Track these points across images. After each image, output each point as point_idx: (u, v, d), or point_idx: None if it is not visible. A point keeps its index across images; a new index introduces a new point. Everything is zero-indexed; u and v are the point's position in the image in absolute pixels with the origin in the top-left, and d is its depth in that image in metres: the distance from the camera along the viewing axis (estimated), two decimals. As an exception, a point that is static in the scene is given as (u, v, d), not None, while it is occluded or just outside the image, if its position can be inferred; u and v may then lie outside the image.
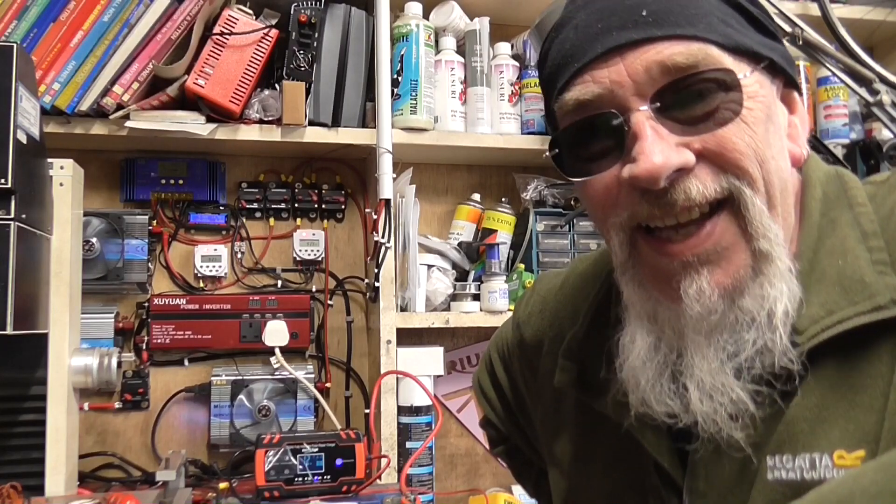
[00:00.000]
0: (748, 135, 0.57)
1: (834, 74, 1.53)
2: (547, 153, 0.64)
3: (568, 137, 0.63)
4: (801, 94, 0.67)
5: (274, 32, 1.53)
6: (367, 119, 1.62)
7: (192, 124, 1.47)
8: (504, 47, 1.73)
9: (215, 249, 1.67)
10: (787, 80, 0.64)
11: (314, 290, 1.73)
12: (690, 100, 0.57)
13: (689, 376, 0.59)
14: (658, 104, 0.57)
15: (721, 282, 0.57)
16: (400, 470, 1.46)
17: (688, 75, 0.56)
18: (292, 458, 1.26)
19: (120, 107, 1.43)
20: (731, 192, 0.57)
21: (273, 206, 1.72)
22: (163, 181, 1.65)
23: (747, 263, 0.57)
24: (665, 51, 0.56)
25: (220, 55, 1.48)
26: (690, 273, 0.57)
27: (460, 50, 1.70)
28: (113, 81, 1.42)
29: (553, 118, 0.66)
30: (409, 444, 1.51)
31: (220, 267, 1.67)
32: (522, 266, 1.69)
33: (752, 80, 0.59)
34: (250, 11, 1.54)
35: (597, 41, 0.58)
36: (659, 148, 0.55)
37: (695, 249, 0.57)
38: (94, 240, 1.54)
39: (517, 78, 1.71)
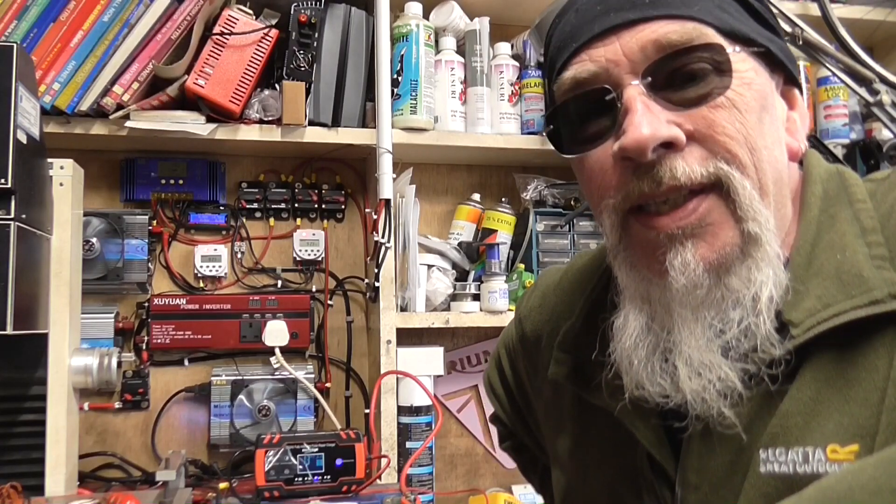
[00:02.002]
0: (739, 120, 0.57)
1: (834, 74, 1.53)
2: (543, 131, 0.65)
3: (563, 114, 0.63)
4: (802, 92, 0.67)
5: (274, 32, 1.53)
6: (367, 119, 1.62)
7: (192, 124, 1.47)
8: (504, 47, 1.73)
9: (215, 249, 1.67)
10: (787, 77, 0.65)
11: (314, 290, 1.73)
12: (681, 76, 0.57)
13: (678, 354, 0.59)
14: (650, 79, 0.58)
15: (705, 256, 0.57)
16: (400, 470, 1.46)
17: (679, 50, 0.57)
18: (292, 458, 1.26)
19: (120, 107, 1.43)
20: (719, 177, 0.57)
21: (273, 206, 1.72)
22: (163, 181, 1.65)
23: (734, 242, 0.57)
24: (660, 29, 0.57)
25: (220, 55, 1.48)
26: (675, 246, 0.57)
27: (460, 50, 1.70)
28: (113, 81, 1.43)
29: (553, 97, 0.66)
30: (409, 444, 1.51)
31: (220, 267, 1.67)
32: (522, 266, 1.69)
33: (748, 66, 0.59)
34: (250, 11, 1.54)
35: (595, 22, 0.60)
36: (647, 120, 0.56)
37: (679, 222, 0.57)
38: (94, 240, 1.54)
39: (517, 78, 1.71)
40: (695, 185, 0.57)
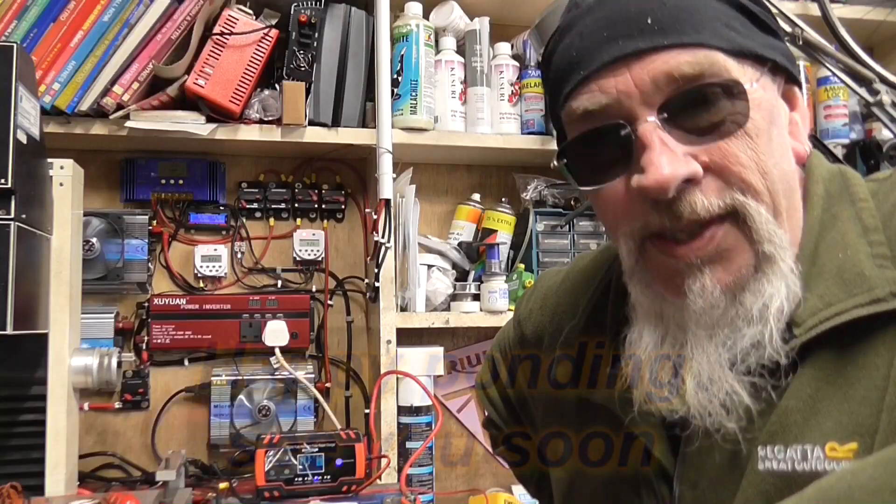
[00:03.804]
0: (751, 147, 0.57)
1: (834, 74, 1.53)
2: (555, 163, 0.65)
3: (576, 148, 0.63)
4: (801, 88, 0.67)
5: (274, 32, 1.53)
6: (367, 119, 1.62)
7: (192, 124, 1.47)
8: (504, 47, 1.73)
9: (215, 249, 1.67)
10: (787, 77, 0.65)
11: (314, 290, 1.73)
12: (697, 109, 0.57)
13: (688, 369, 0.59)
14: (665, 115, 0.57)
15: (723, 279, 0.58)
16: (400, 470, 1.46)
17: (695, 86, 0.56)
18: (292, 458, 1.26)
19: (120, 107, 1.43)
20: (735, 207, 0.57)
21: (273, 206, 1.72)
22: (163, 181, 1.65)
23: (750, 263, 0.58)
24: (671, 60, 0.56)
25: (220, 55, 1.48)
26: (694, 272, 0.58)
27: (460, 50, 1.70)
28: (113, 81, 1.43)
29: (558, 121, 0.66)
30: (409, 444, 1.51)
31: (220, 267, 1.67)
32: (522, 266, 1.69)
33: (757, 86, 0.59)
34: (250, 11, 1.54)
35: (603, 50, 0.58)
36: (667, 159, 0.56)
37: (698, 252, 0.58)
38: (94, 240, 1.54)
39: (517, 78, 1.71)
40: (713, 216, 0.57)
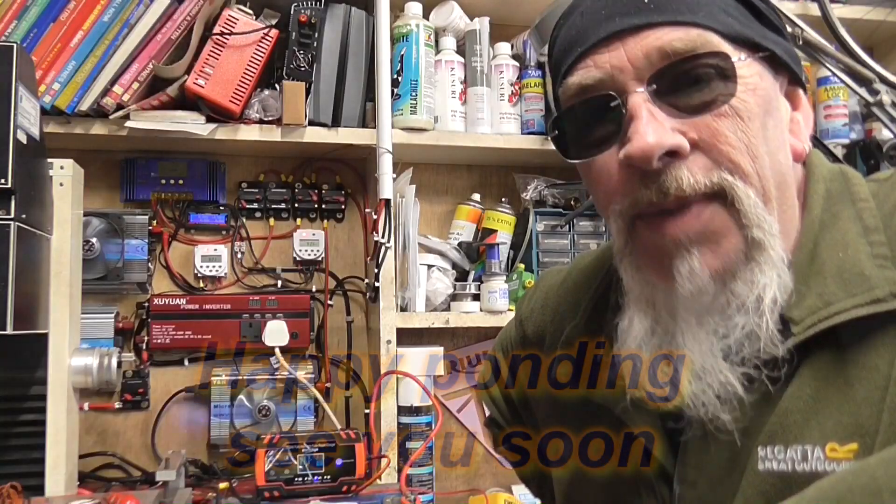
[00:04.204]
0: (741, 129, 0.57)
1: (834, 74, 1.52)
2: (548, 136, 0.65)
3: (568, 119, 0.64)
4: (806, 92, 0.67)
5: (274, 32, 1.53)
6: (367, 119, 1.62)
7: (192, 124, 1.47)
8: (504, 47, 1.73)
9: (215, 249, 1.67)
10: (792, 78, 0.65)
11: (314, 290, 1.73)
12: (686, 84, 0.57)
13: (680, 357, 0.59)
14: (655, 86, 0.58)
15: (711, 264, 0.57)
16: (400, 470, 1.46)
17: (684, 58, 0.57)
18: (292, 458, 1.26)
19: (120, 107, 1.43)
20: (723, 187, 0.57)
21: (273, 206, 1.72)
22: (163, 181, 1.65)
23: (739, 248, 0.58)
24: (665, 37, 0.57)
25: (220, 55, 1.48)
26: (682, 253, 0.58)
27: (460, 50, 1.70)
28: (113, 81, 1.43)
29: (557, 102, 0.67)
30: (409, 444, 1.51)
31: (220, 267, 1.67)
32: (522, 266, 1.69)
33: (752, 72, 0.59)
34: (250, 11, 1.54)
35: (600, 26, 0.60)
36: (653, 128, 0.56)
37: (686, 227, 0.57)
38: (94, 240, 1.54)
39: (517, 78, 1.71)
40: (698, 195, 0.57)
